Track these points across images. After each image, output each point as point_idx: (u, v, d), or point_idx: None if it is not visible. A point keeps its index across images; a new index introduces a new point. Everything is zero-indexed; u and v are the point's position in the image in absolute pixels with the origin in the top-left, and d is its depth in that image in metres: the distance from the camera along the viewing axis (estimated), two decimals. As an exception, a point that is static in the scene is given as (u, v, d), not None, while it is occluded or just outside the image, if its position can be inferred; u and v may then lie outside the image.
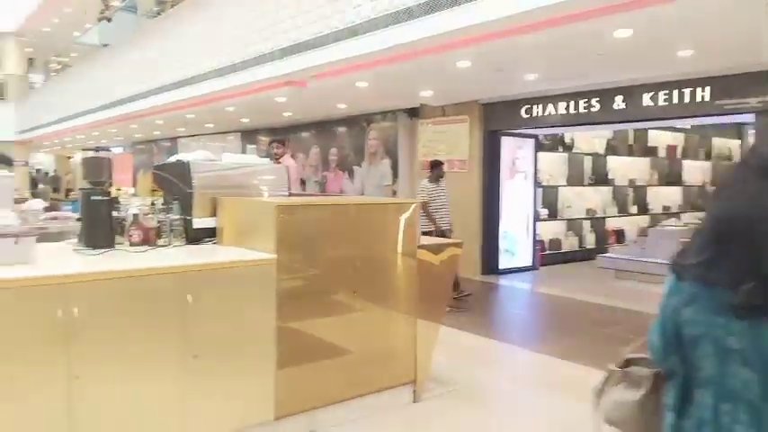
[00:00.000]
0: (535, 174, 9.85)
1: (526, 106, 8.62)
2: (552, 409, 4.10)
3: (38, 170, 23.77)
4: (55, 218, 4.59)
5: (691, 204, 13.21)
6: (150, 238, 3.49)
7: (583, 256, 10.78)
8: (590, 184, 11.39)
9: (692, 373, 1.24)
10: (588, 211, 11.31)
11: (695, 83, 6.78)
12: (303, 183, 11.93)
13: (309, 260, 3.48)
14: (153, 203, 3.78)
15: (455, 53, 5.92)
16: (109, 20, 13.48)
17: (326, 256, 3.57)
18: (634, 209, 12.24)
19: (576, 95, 8.00)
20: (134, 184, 16.11)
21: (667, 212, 12.53)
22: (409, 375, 3.96)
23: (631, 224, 12.06)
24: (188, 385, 2.95)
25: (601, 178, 11.54)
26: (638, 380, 1.44)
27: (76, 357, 2.61)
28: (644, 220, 12.24)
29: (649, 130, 12.14)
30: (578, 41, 5.54)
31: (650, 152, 12.49)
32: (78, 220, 3.68)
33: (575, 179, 11.07)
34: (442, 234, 6.66)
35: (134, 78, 11.64)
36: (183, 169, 3.75)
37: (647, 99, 7.27)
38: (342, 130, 11.65)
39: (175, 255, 3.33)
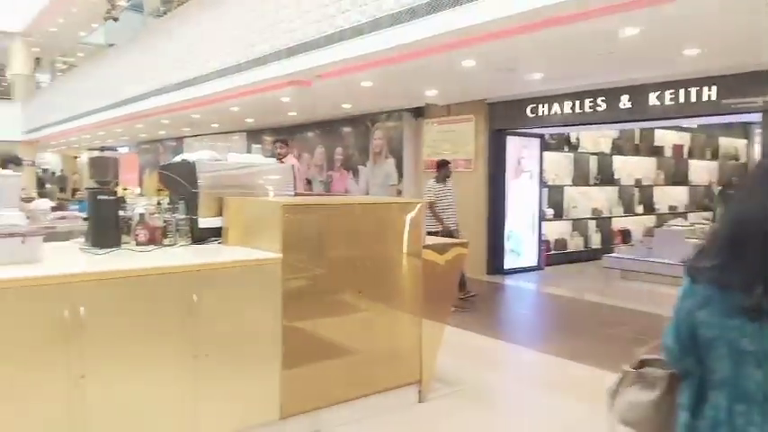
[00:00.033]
0: (541, 173, 9.82)
1: (532, 105, 8.60)
2: (558, 410, 4.09)
3: (44, 170, 23.87)
4: (64, 217, 4.62)
5: (697, 204, 13.17)
6: (156, 238, 3.50)
7: (588, 256, 10.75)
8: (596, 184, 11.37)
9: (707, 375, 1.26)
10: (594, 210, 11.28)
11: (701, 82, 6.75)
12: (309, 182, 11.95)
13: (315, 260, 3.48)
14: (159, 203, 3.80)
15: (460, 52, 5.91)
16: (116, 19, 13.52)
17: (332, 256, 3.57)
18: (640, 209, 12.20)
19: (581, 95, 7.98)
20: (140, 184, 16.21)
21: (674, 212, 12.48)
22: (414, 375, 3.96)
23: (637, 224, 12.01)
24: (193, 385, 2.95)
25: (607, 178, 11.51)
26: (652, 381, 1.45)
27: (82, 356, 2.62)
28: (650, 220, 12.20)
29: (655, 130, 12.10)
30: (584, 41, 5.52)
31: (656, 152, 12.45)
32: (85, 219, 3.69)
33: (580, 179, 11.05)
34: (449, 234, 6.62)
35: (140, 78, 11.67)
36: (188, 169, 3.76)
37: (653, 98, 7.24)
38: (347, 129, 11.65)
39: (181, 254, 3.34)
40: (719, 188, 12.22)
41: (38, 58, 21.79)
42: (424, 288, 3.93)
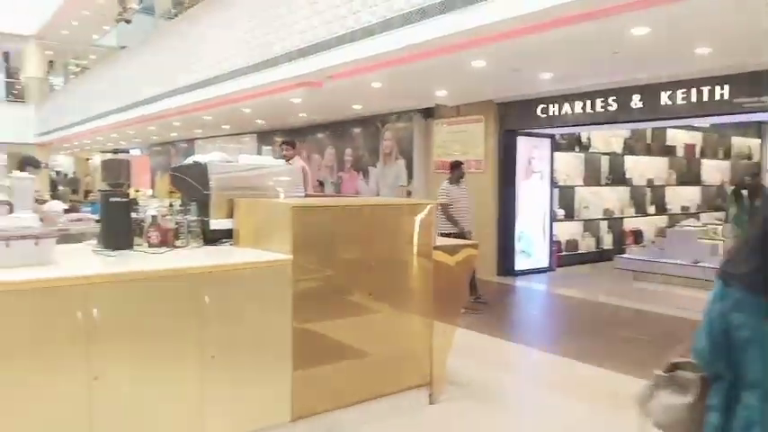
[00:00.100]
0: (551, 174, 9.78)
1: (542, 106, 8.56)
2: (570, 411, 4.07)
3: (57, 172, 24.06)
4: (80, 219, 4.66)
5: (709, 204, 13.06)
6: (168, 240, 3.52)
7: (600, 257, 10.69)
8: (607, 184, 11.30)
9: (739, 376, 1.28)
10: (605, 211, 11.21)
11: (713, 81, 6.69)
12: (322, 184, 11.98)
13: (325, 261, 3.49)
14: (171, 205, 3.82)
15: (470, 53, 5.90)
16: (128, 21, 13.61)
17: (342, 258, 3.58)
18: (652, 209, 12.12)
19: (592, 94, 7.93)
20: (152, 186, 16.31)
21: (686, 212, 12.39)
22: (425, 377, 3.95)
23: (649, 224, 11.93)
24: (205, 386, 2.97)
25: (618, 178, 11.44)
26: (685, 384, 1.46)
27: (95, 358, 2.64)
28: (662, 221, 12.12)
29: (667, 129, 12.00)
30: (594, 40, 5.49)
31: (668, 151, 12.36)
32: (98, 221, 3.72)
33: (592, 179, 10.98)
34: (462, 236, 6.54)
35: (152, 80, 11.76)
36: (200, 171, 3.78)
37: (664, 98, 7.19)
38: (357, 130, 11.67)
39: (193, 256, 3.36)
40: (732, 188, 12.10)
41: (51, 61, 22.00)
42: (434, 289, 3.92)
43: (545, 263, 9.70)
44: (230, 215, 3.74)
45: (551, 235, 9.77)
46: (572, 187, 10.65)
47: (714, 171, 13.38)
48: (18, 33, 19.61)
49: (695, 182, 13.04)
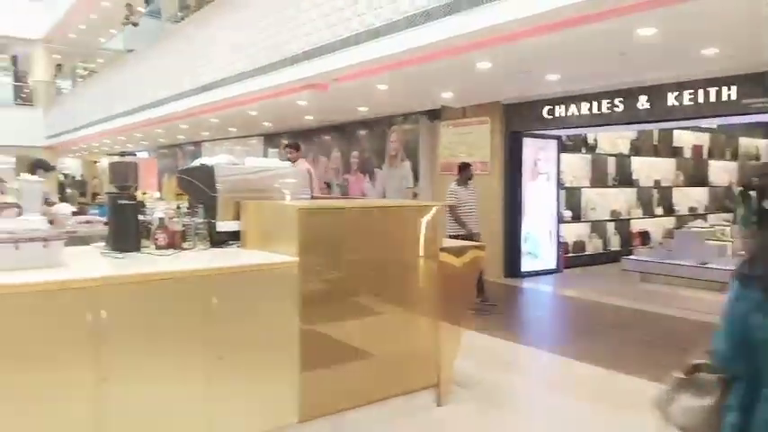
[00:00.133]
0: (558, 175, 9.76)
1: (548, 107, 8.55)
2: (578, 413, 4.06)
3: (65, 175, 24.19)
4: (88, 221, 4.69)
5: (717, 205, 12.99)
6: (176, 242, 3.53)
7: (607, 258, 10.66)
8: (614, 186, 11.27)
9: (759, 376, 1.29)
10: (612, 212, 11.18)
11: (721, 82, 6.66)
12: (329, 186, 11.99)
13: (332, 263, 3.49)
14: (178, 207, 3.85)
15: (475, 54, 5.90)
16: (135, 24, 13.67)
17: (349, 259, 3.58)
18: (659, 210, 12.07)
19: (599, 95, 7.92)
20: (159, 188, 16.38)
21: (693, 213, 12.32)
22: (432, 378, 3.95)
23: (656, 226, 11.88)
24: (213, 387, 2.98)
25: (625, 179, 11.41)
26: (705, 386, 1.47)
27: (104, 359, 2.66)
28: (669, 222, 12.07)
29: (674, 130, 11.95)
30: (600, 41, 5.48)
31: (675, 152, 12.31)
32: (105, 224, 3.74)
33: (598, 180, 10.96)
34: (470, 238, 6.51)
35: (159, 83, 11.81)
36: (207, 173, 3.80)
37: (671, 99, 7.17)
38: (363, 132, 11.68)
39: (200, 258, 3.38)
40: (740, 189, 12.04)
41: (59, 65, 22.10)
42: (441, 291, 3.92)
43: (552, 264, 9.68)
44: (237, 217, 3.76)
45: (558, 236, 9.75)
46: (579, 188, 10.63)
47: (722, 172, 13.31)
48: (26, 37, 19.73)
49: (703, 183, 12.98)
